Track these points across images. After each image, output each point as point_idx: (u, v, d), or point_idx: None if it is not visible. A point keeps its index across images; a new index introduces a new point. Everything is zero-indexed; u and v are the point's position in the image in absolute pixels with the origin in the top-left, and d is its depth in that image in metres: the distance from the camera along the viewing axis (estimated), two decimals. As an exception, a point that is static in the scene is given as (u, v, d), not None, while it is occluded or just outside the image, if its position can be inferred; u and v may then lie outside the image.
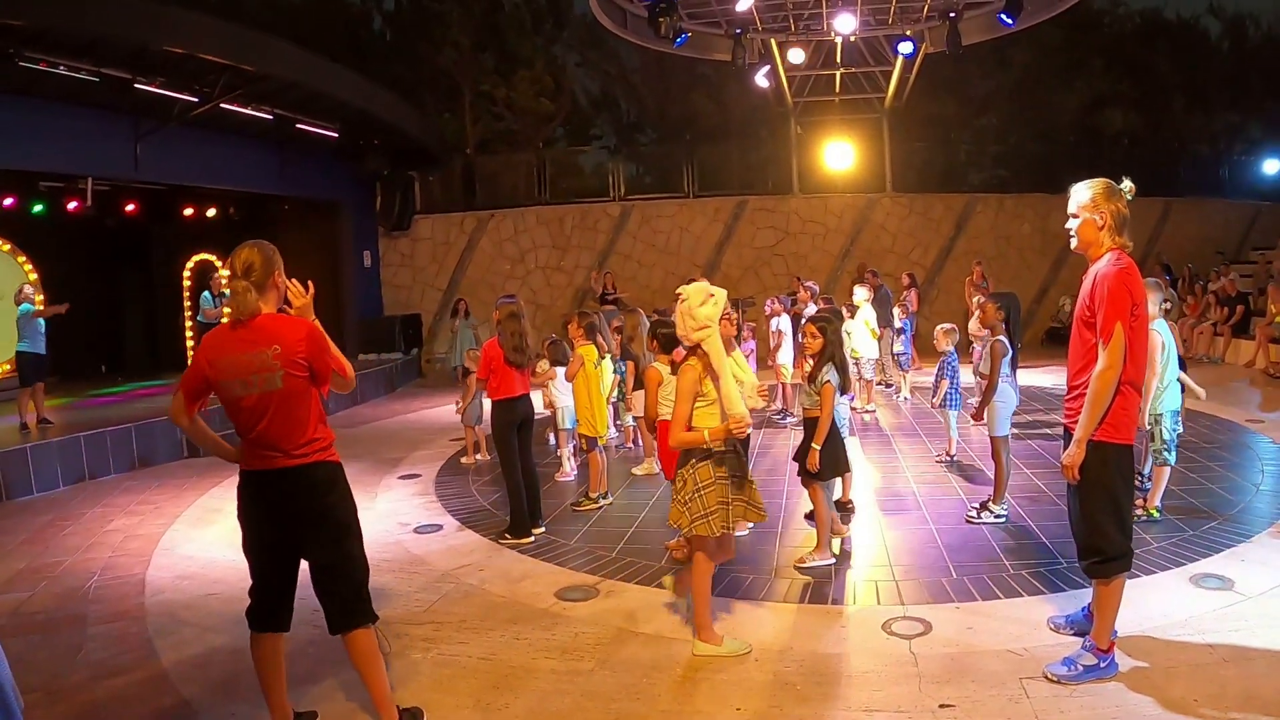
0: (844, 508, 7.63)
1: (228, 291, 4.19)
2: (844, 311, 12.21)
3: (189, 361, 4.18)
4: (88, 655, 5.69)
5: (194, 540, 8.20)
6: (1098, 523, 4.40)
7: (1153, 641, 4.82)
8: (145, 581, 7.11)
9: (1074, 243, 4.55)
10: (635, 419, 10.11)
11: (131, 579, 7.18)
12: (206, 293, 14.52)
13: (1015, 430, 8.43)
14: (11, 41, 10.51)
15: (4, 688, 4.06)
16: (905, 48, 18.10)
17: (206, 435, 4.32)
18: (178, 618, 6.27)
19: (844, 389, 6.75)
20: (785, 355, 12.04)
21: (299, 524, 4.14)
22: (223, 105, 13.87)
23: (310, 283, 4.39)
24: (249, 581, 4.23)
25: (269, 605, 4.25)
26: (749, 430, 4.86)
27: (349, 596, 4.23)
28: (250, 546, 4.25)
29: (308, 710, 4.57)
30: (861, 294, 12.32)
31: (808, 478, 6.67)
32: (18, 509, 9.82)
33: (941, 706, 4.30)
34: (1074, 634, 4.88)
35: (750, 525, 6.31)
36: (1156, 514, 6.97)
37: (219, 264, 19.74)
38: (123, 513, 9.38)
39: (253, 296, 4.09)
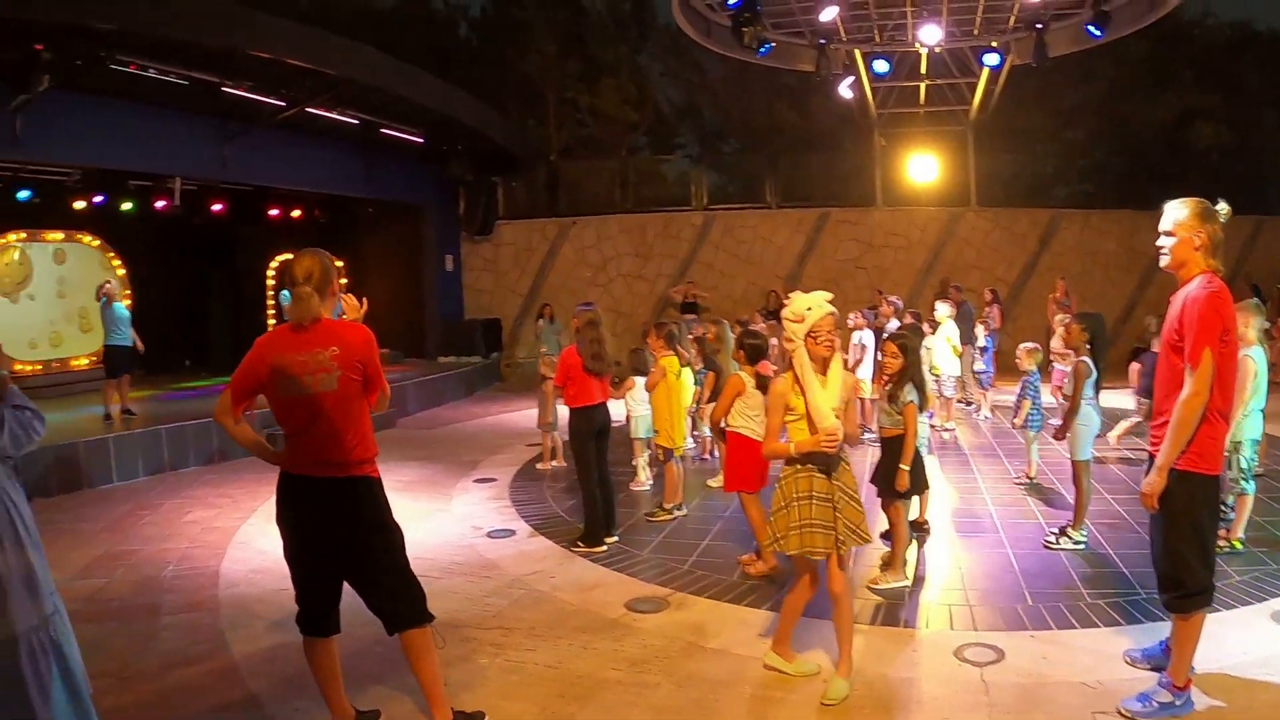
0: (919, 528, 7.53)
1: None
2: (925, 327, 12.11)
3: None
4: (160, 644, 5.86)
5: (269, 535, 8.32)
6: (1180, 555, 4.29)
7: (1231, 680, 4.69)
8: (220, 574, 7.31)
9: (1165, 260, 4.42)
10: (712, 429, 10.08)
11: (206, 570, 7.39)
12: (285, 291, 14.81)
13: (1097, 454, 8.27)
14: (103, 45, 10.83)
15: (74, 672, 4.21)
16: (991, 59, 17.90)
17: (248, 436, 4.39)
18: (250, 611, 6.43)
19: (921, 407, 6.69)
20: (865, 370, 11.91)
21: (338, 533, 4.22)
22: (308, 109, 14.16)
23: (364, 299, 4.62)
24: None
25: (316, 611, 4.36)
26: (838, 442, 4.67)
27: (396, 598, 4.31)
28: (291, 553, 4.35)
29: (370, 709, 4.65)
30: (944, 310, 12.15)
31: (888, 497, 6.62)
32: (99, 497, 10.14)
33: (1011, 737, 4.24)
34: (1150, 669, 4.77)
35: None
36: (1240, 546, 6.79)
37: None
38: (201, 505, 9.64)
39: (316, 301, 4.24)
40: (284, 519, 4.32)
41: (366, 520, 4.26)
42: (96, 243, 17.87)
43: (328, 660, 4.40)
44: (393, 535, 4.35)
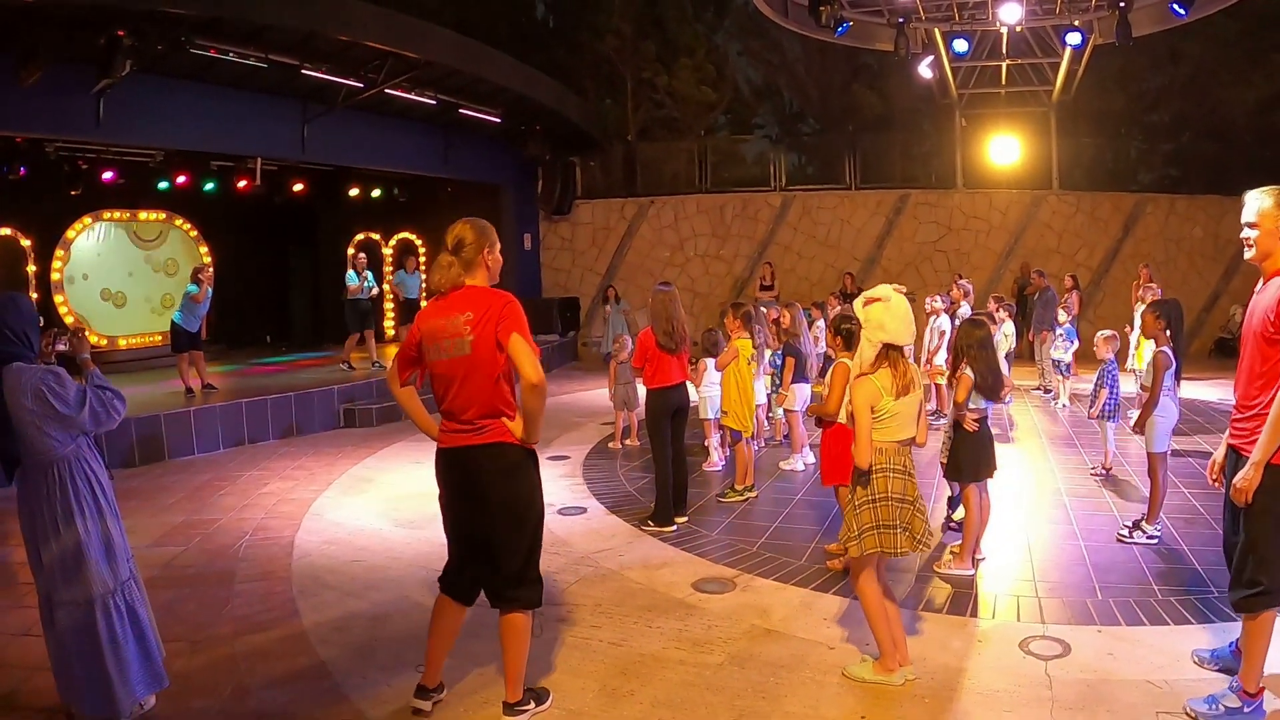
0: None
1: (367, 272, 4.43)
2: (1001, 314, 11.94)
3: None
4: (232, 610, 6.05)
5: (343, 507, 8.58)
6: (1261, 553, 4.16)
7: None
8: (294, 544, 7.51)
9: (1250, 253, 4.27)
10: (786, 412, 10.07)
11: (281, 540, 7.60)
12: (351, 272, 15.14)
13: (1175, 446, 8.11)
14: (183, 30, 11.05)
15: (146, 635, 4.41)
16: (1073, 39, 17.45)
17: (414, 405, 4.54)
18: (321, 581, 6.60)
19: (990, 394, 6.59)
20: (943, 356, 11.78)
21: (481, 501, 4.29)
22: (387, 90, 14.32)
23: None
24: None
25: (452, 572, 4.50)
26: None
27: (517, 576, 4.34)
28: (445, 517, 4.49)
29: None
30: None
31: (961, 481, 6.58)
32: (179, 467, 10.47)
33: (1072, 734, 4.21)
34: (1218, 670, 4.69)
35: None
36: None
37: (382, 241, 20.50)
38: (277, 477, 9.89)
39: (455, 271, 4.29)
40: (440, 486, 4.47)
41: (503, 487, 4.30)
42: (191, 230, 18.37)
43: (447, 622, 4.52)
44: (530, 509, 4.39)
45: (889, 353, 4.65)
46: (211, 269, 13.69)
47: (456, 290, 4.28)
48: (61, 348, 4.59)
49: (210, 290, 13.04)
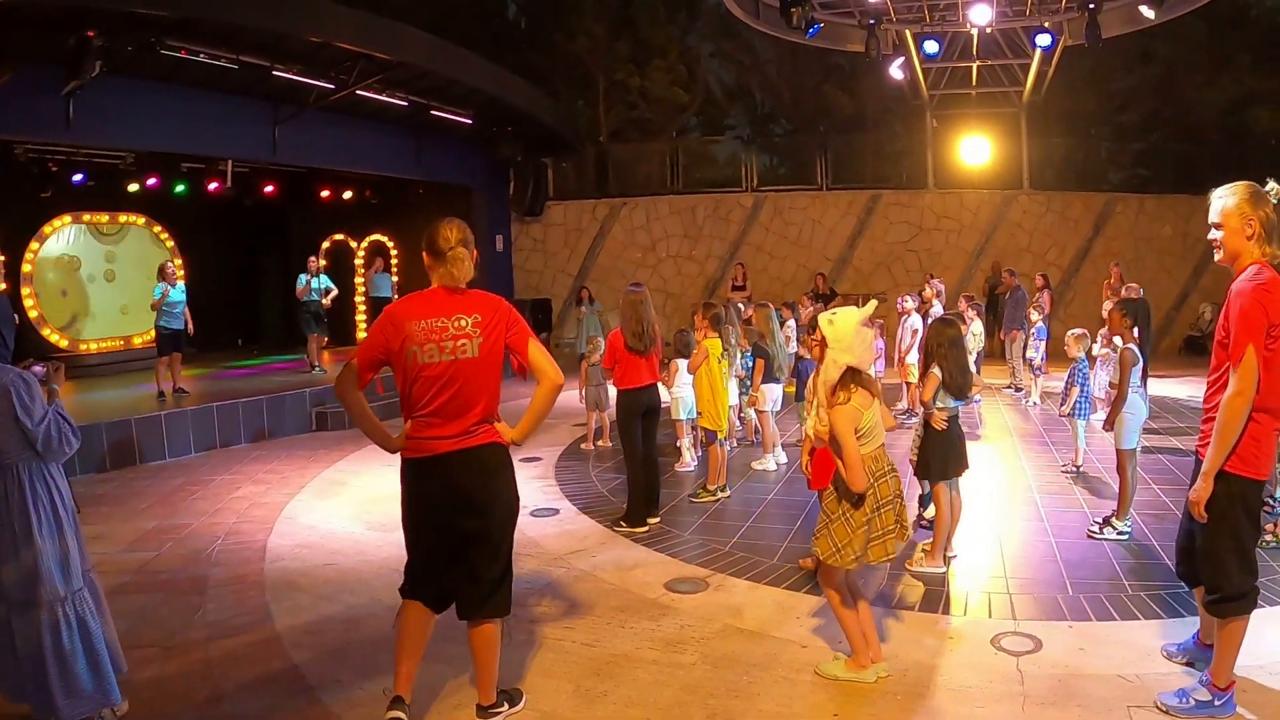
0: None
1: (319, 275, 4.28)
2: (970, 313, 12.03)
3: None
4: (205, 615, 6.00)
5: (316, 510, 8.53)
6: (1220, 559, 4.18)
7: (1272, 678, 4.61)
8: (266, 548, 7.46)
9: (1218, 255, 4.23)
10: (758, 412, 10.09)
11: (253, 545, 7.55)
12: (303, 274, 15.12)
13: (1145, 443, 8.17)
14: (153, 31, 10.94)
15: (96, 646, 4.35)
16: (1043, 40, 17.60)
17: (368, 411, 4.32)
18: (294, 584, 6.56)
19: (959, 393, 6.62)
20: (915, 355, 11.85)
21: (474, 507, 4.16)
22: (358, 92, 14.25)
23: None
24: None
25: (420, 582, 4.29)
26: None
27: (496, 583, 4.26)
28: (412, 524, 4.29)
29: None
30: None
31: (931, 479, 6.61)
32: (151, 472, 10.39)
33: (1043, 729, 4.23)
34: (1185, 662, 4.74)
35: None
36: (1286, 542, 6.67)
37: (354, 244, 20.39)
38: (250, 481, 9.83)
39: (470, 265, 4.18)
40: (411, 494, 4.27)
41: (493, 490, 4.22)
42: (146, 222, 18.20)
43: (419, 626, 4.32)
44: (517, 511, 4.35)
45: (853, 375, 4.62)
46: (173, 264, 13.42)
47: (454, 289, 4.17)
48: (38, 370, 4.52)
49: (173, 287, 12.83)
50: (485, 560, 4.22)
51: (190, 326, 13.04)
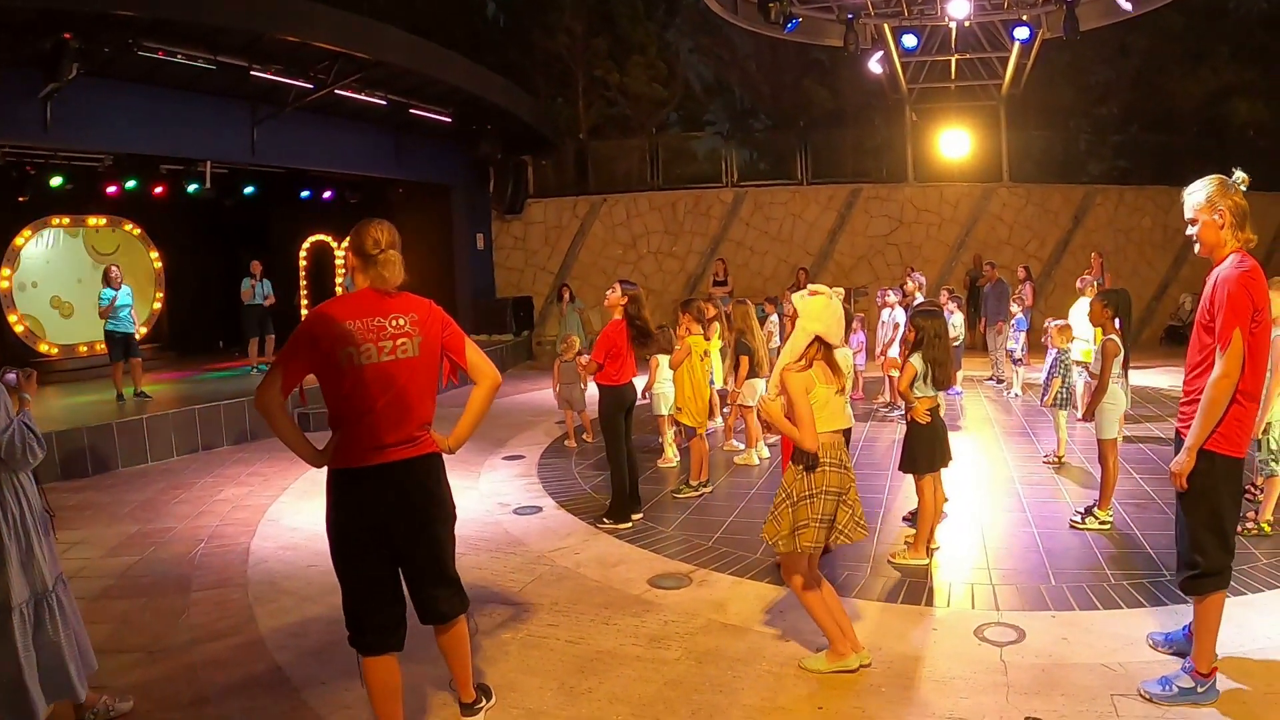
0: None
1: (263, 280, 4.18)
2: (951, 306, 12.07)
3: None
4: (189, 619, 5.96)
5: (299, 512, 8.49)
6: (1197, 536, 4.26)
7: (1253, 664, 4.64)
8: (250, 550, 7.42)
9: (1198, 248, 4.35)
10: (741, 408, 10.08)
11: (236, 547, 7.50)
12: (247, 279, 15.21)
13: (1127, 433, 8.20)
14: (130, 32, 10.87)
15: (60, 646, 4.31)
16: (1021, 33, 17.60)
17: (290, 423, 4.00)
18: (278, 587, 6.53)
19: (940, 384, 6.63)
20: (897, 349, 11.87)
21: (418, 518, 3.98)
22: (337, 91, 14.19)
23: None
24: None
25: (375, 622, 3.98)
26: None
27: (451, 586, 4.17)
28: (344, 546, 3.97)
29: None
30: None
31: (916, 472, 6.63)
32: (133, 476, 10.32)
33: (1027, 719, 4.24)
34: (1172, 654, 4.75)
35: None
36: (1268, 529, 6.69)
37: (335, 244, 20.31)
38: (232, 483, 9.77)
39: (400, 267, 4.03)
40: (342, 517, 3.95)
41: (437, 499, 4.07)
42: (137, 231, 18.12)
43: (392, 678, 4.02)
44: (452, 519, 4.18)
45: (820, 348, 4.67)
46: (116, 269, 13.18)
47: (385, 291, 4.00)
48: (9, 378, 4.46)
49: (118, 290, 12.73)
50: (435, 565, 4.07)
51: (139, 329, 13.08)
